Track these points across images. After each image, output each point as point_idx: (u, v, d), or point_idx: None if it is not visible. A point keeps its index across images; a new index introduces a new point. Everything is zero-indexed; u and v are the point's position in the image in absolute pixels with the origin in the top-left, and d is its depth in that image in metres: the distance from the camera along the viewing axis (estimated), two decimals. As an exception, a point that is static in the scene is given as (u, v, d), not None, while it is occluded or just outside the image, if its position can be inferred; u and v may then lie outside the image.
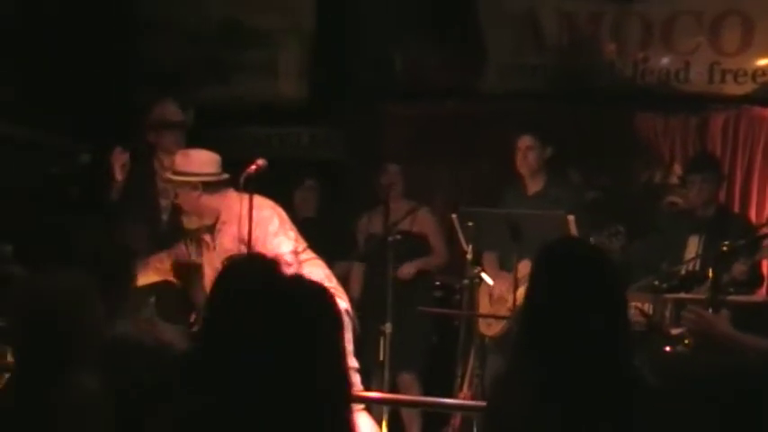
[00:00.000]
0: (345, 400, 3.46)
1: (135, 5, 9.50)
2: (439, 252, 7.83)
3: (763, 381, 3.60)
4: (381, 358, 6.73)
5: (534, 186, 7.30)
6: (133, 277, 4.50)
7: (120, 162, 6.69)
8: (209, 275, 6.11)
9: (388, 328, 6.74)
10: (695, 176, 7.27)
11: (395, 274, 7.00)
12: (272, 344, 3.32)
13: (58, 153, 7.72)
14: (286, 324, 3.33)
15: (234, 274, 3.72)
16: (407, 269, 7.57)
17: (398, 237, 6.98)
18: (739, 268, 6.47)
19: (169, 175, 6.42)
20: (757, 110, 8.43)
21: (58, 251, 5.88)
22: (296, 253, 6.27)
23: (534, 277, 3.61)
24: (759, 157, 8.35)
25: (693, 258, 6.86)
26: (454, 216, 6.92)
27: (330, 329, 3.41)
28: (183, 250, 6.49)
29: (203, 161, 6.39)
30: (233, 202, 6.31)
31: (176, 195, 6.45)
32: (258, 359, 3.30)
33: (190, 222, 6.41)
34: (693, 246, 7.01)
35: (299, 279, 3.58)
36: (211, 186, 6.34)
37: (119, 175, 6.68)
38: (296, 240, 6.36)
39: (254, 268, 3.74)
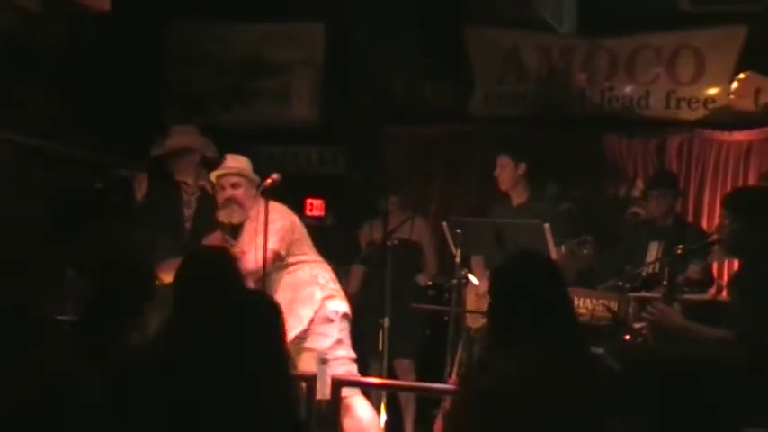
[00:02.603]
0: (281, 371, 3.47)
1: (168, 40, 9.49)
2: (430, 261, 7.89)
3: (702, 365, 3.61)
4: (380, 349, 6.71)
5: (518, 199, 7.28)
6: (153, 279, 4.46)
7: (138, 182, 6.74)
8: None
9: (386, 322, 6.72)
10: (654, 191, 7.29)
11: (398, 272, 7.02)
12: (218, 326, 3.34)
13: (101, 168, 7.70)
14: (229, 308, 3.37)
15: (191, 263, 3.76)
16: (422, 280, 7.76)
17: (396, 242, 6.99)
18: (694, 269, 6.47)
19: (235, 170, 6.41)
20: (708, 133, 8.42)
21: (96, 255, 5.85)
22: (277, 252, 6.26)
23: (494, 280, 3.64)
24: (710, 174, 8.34)
25: (653, 261, 6.84)
26: (445, 224, 6.91)
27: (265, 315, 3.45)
28: (218, 239, 6.43)
29: (250, 164, 6.49)
30: (258, 206, 6.33)
31: (231, 188, 6.41)
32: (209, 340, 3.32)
33: (228, 216, 6.38)
34: (654, 251, 7.00)
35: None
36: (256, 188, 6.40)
37: (138, 194, 6.72)
38: (290, 245, 6.34)
39: (207, 259, 3.78)
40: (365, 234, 8.01)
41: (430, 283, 7.71)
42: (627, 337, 5.62)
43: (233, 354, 3.41)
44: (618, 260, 7.06)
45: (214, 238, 6.38)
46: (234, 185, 6.37)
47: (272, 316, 3.59)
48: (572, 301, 3.66)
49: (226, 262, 4.11)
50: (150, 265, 4.45)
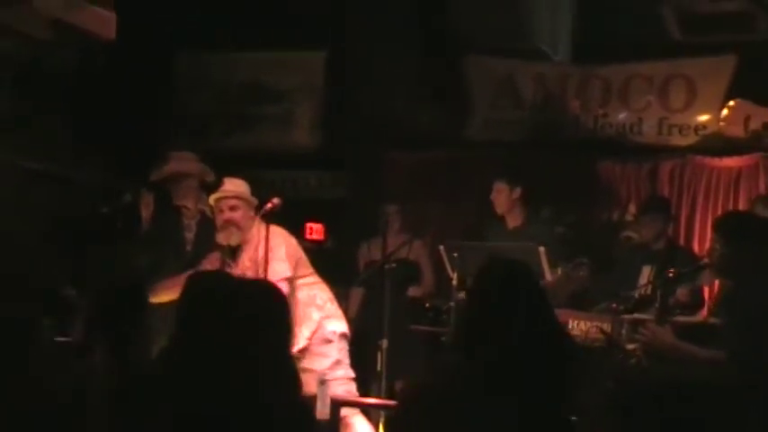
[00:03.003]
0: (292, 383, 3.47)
1: (173, 67, 9.52)
2: (428, 281, 7.90)
3: (694, 386, 3.61)
4: (379, 369, 6.70)
5: (513, 222, 7.30)
6: (145, 301, 4.47)
7: (145, 202, 6.76)
8: None
9: (384, 343, 6.72)
10: (646, 216, 7.30)
11: (396, 297, 7.02)
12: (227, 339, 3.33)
13: (107, 192, 7.71)
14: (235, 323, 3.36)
15: (195, 287, 3.76)
16: (414, 291, 7.67)
17: (394, 265, 6.99)
18: (682, 292, 6.46)
19: (233, 193, 6.42)
20: (699, 159, 8.43)
21: (98, 277, 5.86)
22: (290, 279, 6.28)
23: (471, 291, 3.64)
24: (701, 199, 8.35)
25: (646, 284, 6.84)
26: (441, 247, 6.92)
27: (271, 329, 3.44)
28: (217, 260, 6.44)
29: (248, 188, 6.51)
30: (256, 228, 6.34)
31: (229, 210, 6.41)
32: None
33: (227, 238, 6.39)
34: (646, 274, 6.99)
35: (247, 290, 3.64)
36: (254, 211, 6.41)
37: (145, 213, 6.73)
38: (295, 268, 6.36)
39: (212, 283, 3.77)
40: (363, 254, 8.03)
41: (427, 305, 7.68)
42: (621, 357, 5.62)
43: (235, 367, 3.41)
44: (612, 283, 7.06)
45: (213, 259, 6.39)
46: (232, 208, 6.38)
47: (280, 308, 3.59)
48: (548, 308, 3.64)
49: (226, 280, 4.10)
50: (142, 285, 4.44)
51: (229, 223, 6.36)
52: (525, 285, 3.60)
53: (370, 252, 7.89)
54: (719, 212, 7.98)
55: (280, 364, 3.54)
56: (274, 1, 8.72)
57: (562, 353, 3.57)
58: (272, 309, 3.57)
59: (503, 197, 7.26)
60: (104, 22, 6.14)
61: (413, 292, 7.76)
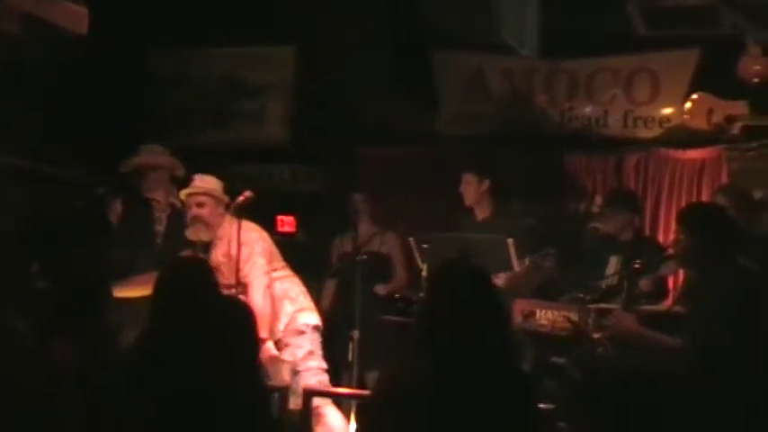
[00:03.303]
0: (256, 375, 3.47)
1: (148, 62, 9.47)
2: (400, 274, 7.88)
3: (657, 374, 3.62)
4: (350, 359, 6.70)
5: (482, 214, 7.31)
6: (108, 294, 4.44)
7: (113, 207, 6.74)
8: None
9: (356, 334, 6.73)
10: (610, 209, 7.31)
11: (367, 289, 7.02)
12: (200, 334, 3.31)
13: (80, 186, 7.67)
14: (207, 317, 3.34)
15: (169, 275, 3.73)
16: (380, 289, 7.60)
17: (365, 257, 6.99)
18: (645, 282, 6.49)
19: (201, 190, 6.37)
20: (664, 151, 8.45)
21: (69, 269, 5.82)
22: (268, 272, 6.25)
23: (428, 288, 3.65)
24: (665, 190, 8.36)
25: (613, 274, 6.85)
26: (411, 240, 6.92)
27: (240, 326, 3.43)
28: (190, 254, 6.41)
29: (219, 184, 6.49)
30: (228, 224, 6.32)
31: (197, 206, 6.38)
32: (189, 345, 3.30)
33: (195, 234, 6.37)
34: (614, 264, 7.00)
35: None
36: (224, 207, 6.36)
37: (116, 207, 6.72)
38: (270, 262, 6.35)
39: (187, 271, 3.74)
40: (337, 246, 8.01)
41: (398, 296, 7.68)
42: (588, 347, 5.63)
43: (210, 360, 3.39)
44: (581, 274, 7.07)
45: (185, 253, 6.37)
46: (200, 204, 6.36)
47: (246, 320, 3.57)
48: (500, 307, 3.65)
49: (202, 272, 4.08)
50: (105, 276, 4.42)
51: (197, 219, 6.34)
52: (479, 285, 3.61)
53: (342, 244, 7.87)
54: (683, 204, 8.00)
55: (250, 370, 3.54)
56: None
57: (512, 345, 3.61)
58: (243, 319, 3.57)
59: (471, 189, 7.28)
60: (76, 17, 6.07)
61: (381, 289, 7.71)
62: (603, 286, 6.78)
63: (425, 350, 3.47)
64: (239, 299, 4.02)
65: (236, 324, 3.57)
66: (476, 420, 3.34)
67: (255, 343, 3.63)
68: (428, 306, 3.61)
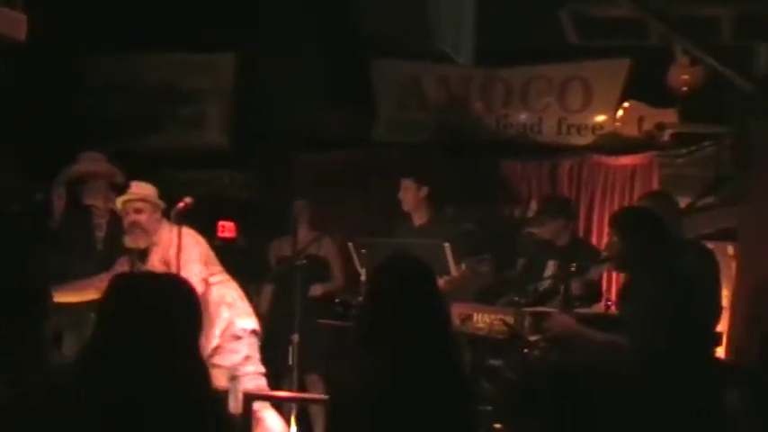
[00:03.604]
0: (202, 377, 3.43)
1: (86, 68, 9.35)
2: (338, 277, 7.86)
3: (594, 374, 3.65)
4: (290, 363, 6.66)
5: (419, 220, 7.31)
6: (47, 304, 4.35)
7: (57, 203, 6.66)
8: None
9: (295, 338, 6.69)
10: (544, 216, 7.34)
11: (306, 293, 6.99)
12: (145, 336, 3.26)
13: (19, 193, 7.55)
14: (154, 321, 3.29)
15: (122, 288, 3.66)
16: (316, 290, 7.56)
17: (305, 261, 6.97)
18: (575, 285, 6.52)
19: (137, 196, 6.29)
20: (596, 157, 8.52)
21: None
22: (205, 278, 6.19)
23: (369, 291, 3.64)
24: (598, 195, 8.44)
25: (549, 278, 6.88)
26: (351, 245, 6.90)
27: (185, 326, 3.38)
28: (127, 263, 6.35)
29: (155, 191, 6.40)
30: (165, 230, 6.26)
31: (135, 213, 6.30)
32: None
33: (134, 242, 6.30)
34: (551, 268, 7.03)
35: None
36: (161, 213, 6.31)
37: (56, 214, 6.64)
38: (207, 267, 6.29)
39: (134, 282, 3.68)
40: (275, 249, 7.97)
41: (337, 300, 7.64)
42: (525, 350, 5.64)
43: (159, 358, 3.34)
44: (520, 278, 7.10)
45: (123, 264, 6.30)
46: (137, 211, 6.30)
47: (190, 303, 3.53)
48: (442, 307, 3.65)
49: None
50: (43, 284, 4.32)
51: (135, 226, 6.27)
52: (421, 282, 3.59)
53: (280, 249, 7.83)
54: (616, 208, 8.08)
55: (194, 358, 3.48)
56: (185, 3, 8.61)
57: (455, 347, 3.60)
58: (186, 301, 3.51)
59: (410, 195, 7.27)
60: (14, 24, 5.95)
61: (315, 290, 7.67)
62: (541, 289, 6.80)
63: (368, 351, 3.44)
64: (180, 277, 3.91)
65: (182, 303, 3.51)
66: (418, 420, 3.33)
67: (200, 322, 3.57)
68: (370, 304, 3.58)
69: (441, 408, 3.40)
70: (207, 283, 6.22)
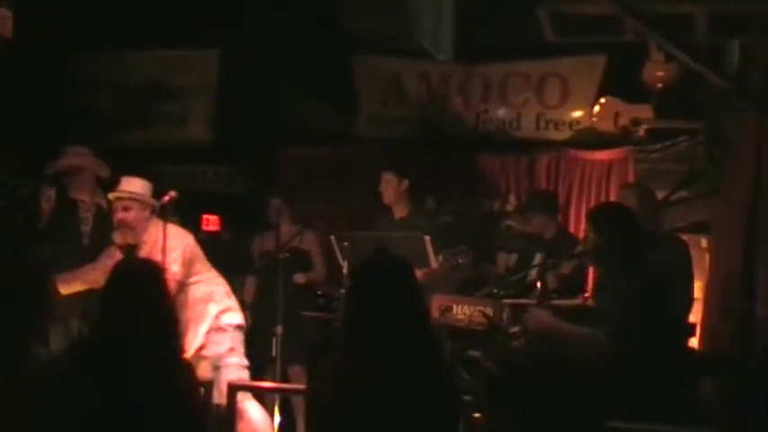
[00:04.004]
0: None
1: (73, 65, 9.33)
2: (320, 269, 7.86)
3: (569, 365, 3.66)
4: (274, 354, 6.66)
5: (400, 213, 7.31)
6: (49, 295, 4.32)
7: (46, 196, 6.62)
8: None
9: (279, 330, 6.69)
10: (530, 212, 7.37)
11: (289, 286, 6.98)
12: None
13: (6, 188, 7.52)
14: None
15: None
16: (299, 278, 7.57)
17: (287, 255, 6.96)
18: (551, 279, 6.55)
19: (126, 194, 6.25)
20: (573, 152, 8.55)
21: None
22: (180, 282, 6.13)
23: (349, 284, 3.66)
24: (575, 189, 8.46)
25: (531, 269, 6.88)
26: (333, 238, 6.90)
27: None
28: (115, 252, 6.30)
29: (147, 187, 6.31)
30: (154, 227, 6.21)
31: (123, 210, 6.27)
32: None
33: (122, 238, 6.25)
34: (537, 260, 7.04)
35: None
36: (150, 209, 6.26)
37: (45, 207, 6.61)
38: (188, 268, 6.22)
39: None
40: (257, 244, 7.96)
41: (320, 292, 7.64)
42: (504, 341, 5.66)
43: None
44: (507, 270, 7.13)
45: (112, 252, 6.26)
46: (125, 208, 6.23)
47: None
48: (422, 302, 3.66)
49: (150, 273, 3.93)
50: (46, 279, 4.29)
51: (122, 223, 6.21)
52: (401, 277, 3.61)
53: (263, 243, 7.83)
54: (593, 202, 8.12)
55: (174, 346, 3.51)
56: (170, 2, 8.60)
57: (434, 339, 3.62)
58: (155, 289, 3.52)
59: (391, 188, 7.27)
60: (1, 21, 5.95)
61: (298, 279, 7.68)
62: (528, 280, 6.80)
63: (354, 344, 3.45)
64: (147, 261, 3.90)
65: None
66: (400, 412, 3.34)
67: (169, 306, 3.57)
68: (352, 298, 3.59)
69: (422, 399, 3.41)
70: (181, 285, 6.16)
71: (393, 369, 3.38)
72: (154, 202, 6.26)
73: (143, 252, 6.22)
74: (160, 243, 6.04)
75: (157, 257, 6.04)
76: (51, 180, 6.80)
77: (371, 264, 3.71)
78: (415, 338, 3.47)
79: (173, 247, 6.10)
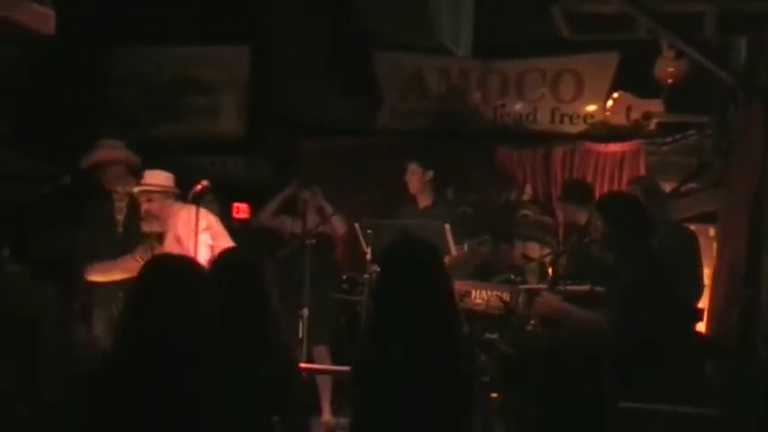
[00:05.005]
0: None
1: (109, 62, 9.41)
2: (341, 251, 7.89)
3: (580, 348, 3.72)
4: (300, 336, 6.74)
5: (424, 202, 7.36)
6: (80, 279, 4.38)
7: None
8: None
9: (305, 312, 6.76)
10: (563, 203, 7.40)
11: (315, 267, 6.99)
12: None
13: (47, 177, 7.65)
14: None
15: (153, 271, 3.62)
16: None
17: (313, 241, 7.02)
18: (572, 264, 6.59)
19: (149, 187, 6.38)
20: (587, 145, 8.58)
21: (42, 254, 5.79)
22: (211, 247, 6.28)
23: (380, 269, 3.71)
24: (589, 180, 8.47)
25: (543, 257, 6.93)
26: (357, 225, 6.97)
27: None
28: (147, 249, 6.43)
29: (169, 178, 6.48)
30: (183, 210, 6.34)
31: (147, 202, 6.40)
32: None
33: (149, 227, 6.39)
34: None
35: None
36: (174, 197, 6.38)
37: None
38: (215, 238, 6.33)
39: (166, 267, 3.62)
40: (286, 225, 7.90)
41: (344, 276, 7.70)
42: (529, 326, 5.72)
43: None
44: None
45: (144, 251, 6.38)
46: (149, 200, 6.41)
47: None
48: (451, 290, 3.72)
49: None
50: (74, 261, 4.36)
51: (148, 213, 6.41)
52: (431, 260, 3.67)
53: (292, 226, 7.82)
54: (605, 192, 8.14)
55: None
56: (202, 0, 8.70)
57: (459, 322, 3.68)
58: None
59: (416, 178, 7.31)
60: (44, 19, 6.03)
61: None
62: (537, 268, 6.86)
63: (389, 330, 3.50)
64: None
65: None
66: (427, 390, 3.41)
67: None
68: (386, 284, 3.63)
69: (443, 376, 3.48)
70: (211, 249, 6.29)
71: (419, 345, 3.44)
72: (176, 190, 6.40)
73: (170, 234, 6.33)
74: (188, 224, 6.17)
75: (182, 237, 6.18)
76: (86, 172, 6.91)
77: (403, 247, 3.77)
78: (441, 318, 3.53)
79: (209, 224, 6.24)
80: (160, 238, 6.44)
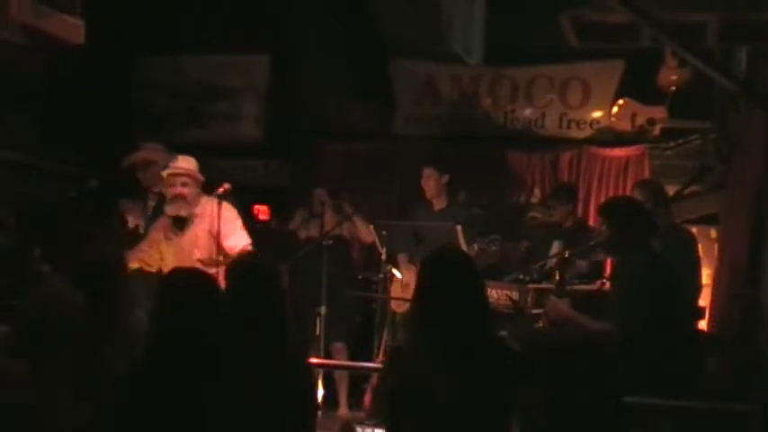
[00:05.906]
0: None
1: (134, 69, 9.47)
2: (357, 253, 7.95)
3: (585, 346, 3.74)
4: (318, 333, 6.76)
5: (439, 205, 7.36)
6: (122, 278, 4.39)
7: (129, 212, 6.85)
8: (174, 255, 6.23)
9: (322, 310, 6.79)
10: (553, 202, 7.45)
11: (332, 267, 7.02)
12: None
13: (75, 179, 7.70)
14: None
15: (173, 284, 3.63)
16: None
17: (330, 242, 7.04)
18: (581, 265, 6.60)
19: (185, 171, 6.37)
20: (594, 149, 8.61)
21: (72, 254, 5.83)
22: (252, 244, 6.31)
23: (422, 273, 3.72)
24: (595, 183, 8.54)
25: (550, 257, 6.94)
26: (372, 227, 6.99)
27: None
28: (165, 223, 6.43)
29: (197, 164, 6.46)
30: (206, 202, 6.35)
31: (181, 186, 6.39)
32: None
33: (176, 210, 6.36)
34: (556, 248, 7.09)
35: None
36: (201, 185, 6.42)
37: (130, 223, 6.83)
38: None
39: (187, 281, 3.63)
40: (302, 229, 7.93)
41: (360, 276, 7.73)
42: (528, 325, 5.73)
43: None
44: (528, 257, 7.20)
45: (161, 224, 6.40)
46: (184, 184, 6.36)
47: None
48: (484, 293, 3.74)
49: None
50: (116, 257, 4.38)
51: (180, 197, 6.34)
52: (467, 266, 3.70)
53: (309, 229, 7.86)
54: (611, 195, 8.16)
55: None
56: (224, 10, 8.73)
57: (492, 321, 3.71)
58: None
59: (432, 182, 7.31)
60: (73, 29, 6.10)
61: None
62: (546, 268, 6.86)
63: (430, 331, 3.51)
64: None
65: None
66: (468, 386, 3.42)
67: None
68: (428, 288, 3.63)
69: (482, 372, 3.48)
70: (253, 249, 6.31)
71: (459, 345, 3.45)
72: (203, 178, 6.41)
73: (199, 226, 6.32)
74: (217, 220, 6.18)
75: (215, 232, 6.19)
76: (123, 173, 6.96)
77: (444, 254, 3.79)
78: (478, 319, 3.54)
79: (232, 217, 6.27)
80: (183, 224, 6.40)
